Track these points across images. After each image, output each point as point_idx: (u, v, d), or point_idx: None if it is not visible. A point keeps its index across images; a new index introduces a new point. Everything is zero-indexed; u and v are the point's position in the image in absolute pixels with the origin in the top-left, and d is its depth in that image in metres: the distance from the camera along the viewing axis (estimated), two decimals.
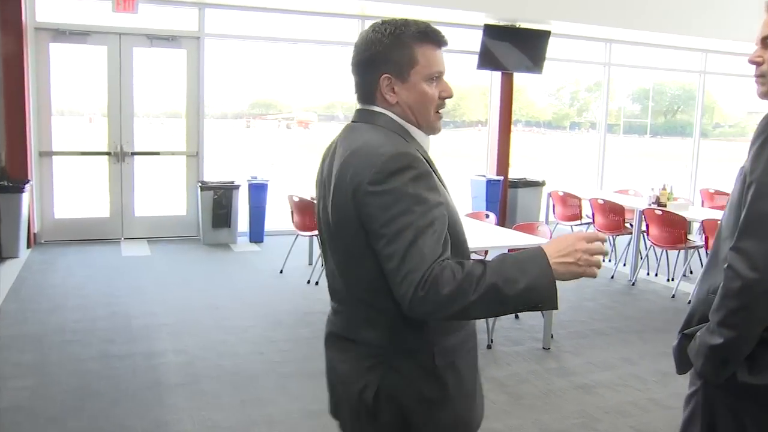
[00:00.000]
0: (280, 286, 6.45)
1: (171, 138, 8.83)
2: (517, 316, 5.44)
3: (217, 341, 4.80)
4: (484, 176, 9.54)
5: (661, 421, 3.78)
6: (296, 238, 6.92)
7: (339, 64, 9.36)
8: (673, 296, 6.33)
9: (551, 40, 9.16)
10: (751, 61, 1.75)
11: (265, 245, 8.16)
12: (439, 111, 1.69)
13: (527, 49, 9.14)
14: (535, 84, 15.25)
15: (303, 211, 6.57)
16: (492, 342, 4.87)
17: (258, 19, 8.58)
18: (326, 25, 8.85)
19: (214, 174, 8.48)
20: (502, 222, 9.24)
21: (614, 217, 7.08)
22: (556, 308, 1.50)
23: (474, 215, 6.12)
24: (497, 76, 9.50)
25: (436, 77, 1.66)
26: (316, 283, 6.40)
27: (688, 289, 6.36)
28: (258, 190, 8.18)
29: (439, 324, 1.63)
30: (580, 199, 7.60)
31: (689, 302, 2.06)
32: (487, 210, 9.24)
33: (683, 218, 6.27)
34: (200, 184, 8.01)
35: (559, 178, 11.86)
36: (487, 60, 9.03)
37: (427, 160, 1.61)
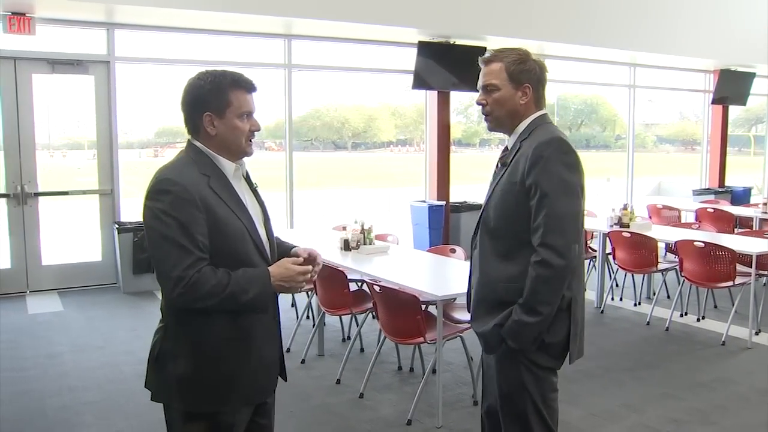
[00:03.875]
0: None
1: (81, 174, 7.87)
2: None
3: (157, 422, 3.98)
4: (425, 201, 9.03)
5: None
6: None
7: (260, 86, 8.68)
8: (648, 323, 5.95)
9: None
10: (478, 103, 2.51)
11: None
12: (251, 140, 2.18)
13: (463, 67, 8.69)
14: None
15: None
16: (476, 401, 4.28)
17: (172, 40, 7.78)
18: (250, 45, 8.15)
19: (130, 213, 7.58)
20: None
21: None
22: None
23: (437, 250, 5.53)
24: (433, 96, 9.03)
25: (246, 115, 2.15)
26: None
27: (662, 314, 6.00)
28: None
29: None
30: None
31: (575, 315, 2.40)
32: (430, 235, 8.76)
33: (654, 240, 5.91)
34: (117, 226, 7.10)
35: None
36: (422, 79, 8.54)
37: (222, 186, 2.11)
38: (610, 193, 19.14)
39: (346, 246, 5.21)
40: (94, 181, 7.42)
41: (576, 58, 10.33)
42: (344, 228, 5.77)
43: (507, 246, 2.39)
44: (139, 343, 5.37)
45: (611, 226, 6.52)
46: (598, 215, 7.39)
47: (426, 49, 8.41)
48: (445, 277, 4.65)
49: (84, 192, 7.46)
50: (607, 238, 6.33)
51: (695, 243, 5.54)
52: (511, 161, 2.41)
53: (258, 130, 2.18)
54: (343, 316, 5.33)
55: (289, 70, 8.12)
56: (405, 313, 4.00)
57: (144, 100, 11.75)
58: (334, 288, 4.71)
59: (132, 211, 7.51)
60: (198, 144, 2.14)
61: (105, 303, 6.77)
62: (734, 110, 12.97)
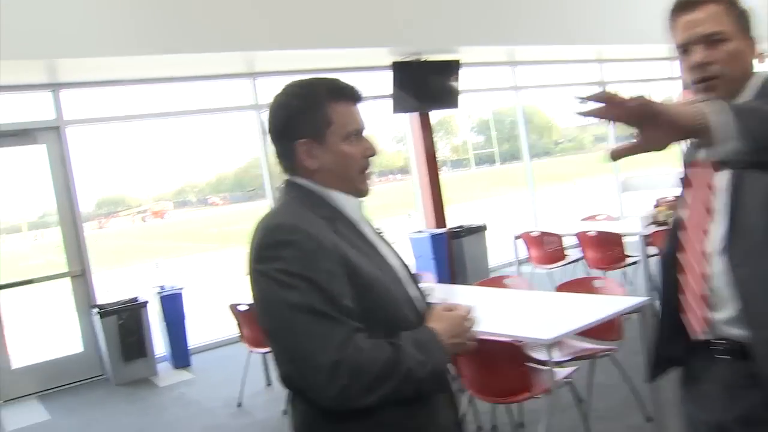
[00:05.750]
0: (249, 427, 4.85)
1: (43, 255, 6.95)
2: None
3: None
4: (422, 231, 8.38)
5: None
6: (249, 355, 5.31)
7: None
8: None
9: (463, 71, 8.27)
10: (699, 64, 1.63)
11: (196, 369, 6.44)
12: (365, 171, 1.62)
13: (440, 84, 8.17)
14: (382, 133, 15.67)
15: (253, 321, 5.03)
16: None
17: (124, 95, 6.99)
18: (214, 89, 7.42)
19: (102, 294, 6.68)
20: (452, 279, 8.12)
21: (610, 249, 6.12)
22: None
23: (487, 282, 4.81)
24: (414, 118, 8.44)
25: (355, 135, 1.60)
26: None
27: None
28: (172, 303, 6.47)
29: None
30: (559, 237, 6.59)
31: None
32: (436, 267, 8.09)
33: None
34: (98, 310, 6.20)
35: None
36: (401, 102, 7.95)
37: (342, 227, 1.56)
38: (579, 197, 18.97)
39: None
40: (60, 262, 6.51)
41: (546, 61, 9.95)
42: None
43: None
44: None
45: (646, 226, 6.03)
46: (617, 218, 6.92)
47: (401, 70, 7.83)
48: (533, 314, 3.90)
49: (51, 277, 6.51)
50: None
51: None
52: None
53: (374, 154, 1.63)
54: None
55: (258, 111, 7.41)
56: (506, 366, 3.30)
57: (84, 168, 10.85)
58: None
59: (102, 290, 6.62)
60: (302, 181, 1.61)
61: (97, 401, 5.84)
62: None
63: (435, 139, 8.74)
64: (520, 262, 7.17)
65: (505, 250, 8.81)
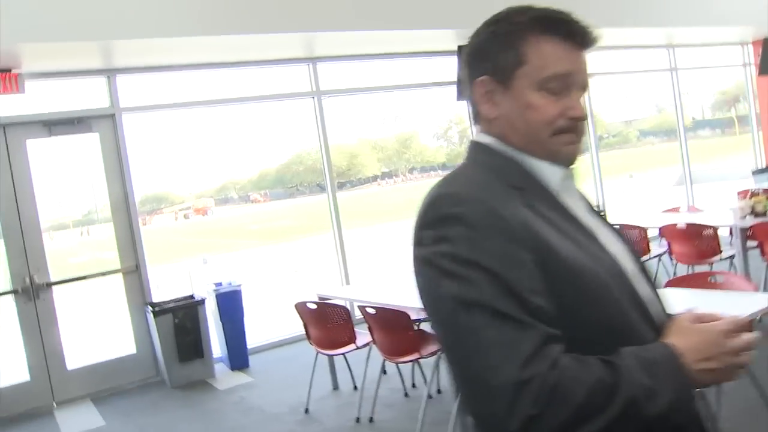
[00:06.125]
0: None
1: (95, 252, 6.66)
2: None
3: None
4: None
5: None
6: (316, 357, 4.89)
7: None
8: None
9: None
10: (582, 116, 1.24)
11: (254, 371, 6.07)
12: (564, 133, 1.17)
13: None
14: (424, 129, 15.71)
15: (322, 320, 4.63)
16: None
17: (181, 81, 6.66)
18: (271, 76, 7.04)
19: (159, 293, 6.35)
20: None
21: (701, 243, 5.59)
22: None
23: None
24: None
25: (556, 85, 1.16)
26: (370, 420, 4.46)
27: None
28: (230, 301, 6.11)
29: None
30: (644, 230, 6.05)
31: None
32: None
33: None
34: (151, 308, 5.86)
35: None
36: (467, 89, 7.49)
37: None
38: (638, 190, 18.31)
39: None
40: (110, 259, 6.20)
41: (615, 46, 9.37)
42: None
43: None
44: None
45: (744, 217, 5.49)
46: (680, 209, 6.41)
47: None
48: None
49: (104, 273, 6.19)
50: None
51: None
52: None
53: (579, 117, 1.19)
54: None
55: (318, 97, 7.00)
56: None
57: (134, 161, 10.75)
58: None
59: (153, 288, 6.29)
60: (487, 140, 1.23)
61: (154, 406, 5.50)
62: (710, 94, 12.13)
63: None
64: None
65: None
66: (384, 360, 4.42)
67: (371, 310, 4.05)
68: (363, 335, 4.49)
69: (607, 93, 10.17)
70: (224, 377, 5.97)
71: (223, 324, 6.11)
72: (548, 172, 1.21)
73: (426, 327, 4.43)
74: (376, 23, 6.37)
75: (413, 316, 4.07)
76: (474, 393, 1.03)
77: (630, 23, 8.23)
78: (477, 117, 1.26)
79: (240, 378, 5.91)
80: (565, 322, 1.05)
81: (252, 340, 6.40)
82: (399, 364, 4.80)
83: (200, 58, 6.37)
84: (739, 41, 11.01)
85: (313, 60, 6.96)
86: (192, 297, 6.05)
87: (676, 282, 3.88)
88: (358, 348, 4.49)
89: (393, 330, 4.01)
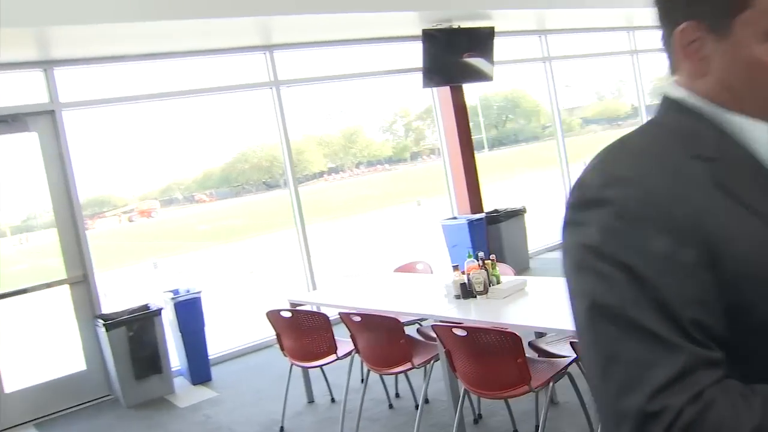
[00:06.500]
0: None
1: (37, 260, 6.08)
2: None
3: None
4: (457, 218, 7.59)
5: None
6: (291, 368, 4.46)
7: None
8: None
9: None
10: None
11: (218, 384, 5.60)
12: None
13: (474, 54, 7.39)
14: (369, 123, 15.61)
15: (297, 330, 4.20)
16: None
17: (119, 74, 6.11)
18: (224, 66, 6.54)
19: (108, 303, 5.82)
20: None
21: None
22: None
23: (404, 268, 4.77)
24: (444, 93, 7.62)
25: None
26: None
27: None
28: (189, 309, 5.62)
29: None
30: None
31: None
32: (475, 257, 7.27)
33: None
34: (102, 321, 5.33)
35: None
36: (434, 75, 7.14)
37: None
38: None
39: (466, 292, 3.71)
40: (53, 267, 5.63)
41: (576, 29, 9.17)
42: (425, 267, 4.31)
43: None
44: None
45: None
46: None
47: (431, 40, 7.01)
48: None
49: (49, 285, 5.61)
50: None
51: None
52: None
53: None
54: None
55: (276, 87, 6.55)
56: None
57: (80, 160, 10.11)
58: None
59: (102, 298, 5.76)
60: (680, 93, 0.96)
61: (108, 428, 4.98)
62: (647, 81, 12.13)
63: (421, 127, 8.01)
64: None
65: (537, 234, 8.27)
66: (368, 370, 4.03)
67: (356, 317, 3.64)
68: (344, 343, 4.09)
69: (567, 77, 9.96)
70: (185, 393, 5.49)
71: (182, 335, 5.61)
72: (762, 136, 0.91)
73: (413, 332, 4.07)
74: (336, 5, 5.95)
75: (401, 320, 3.70)
76: (600, 408, 0.86)
77: (590, 3, 8.01)
78: (673, 69, 0.98)
79: (203, 393, 5.43)
80: (737, 342, 0.83)
81: (213, 350, 5.93)
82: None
83: (146, 47, 5.83)
84: None
85: (270, 48, 6.50)
86: (147, 307, 5.53)
87: None
88: (339, 359, 4.08)
89: (381, 338, 3.62)
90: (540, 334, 3.65)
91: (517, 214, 7.73)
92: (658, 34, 1.00)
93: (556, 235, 7.00)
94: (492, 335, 2.88)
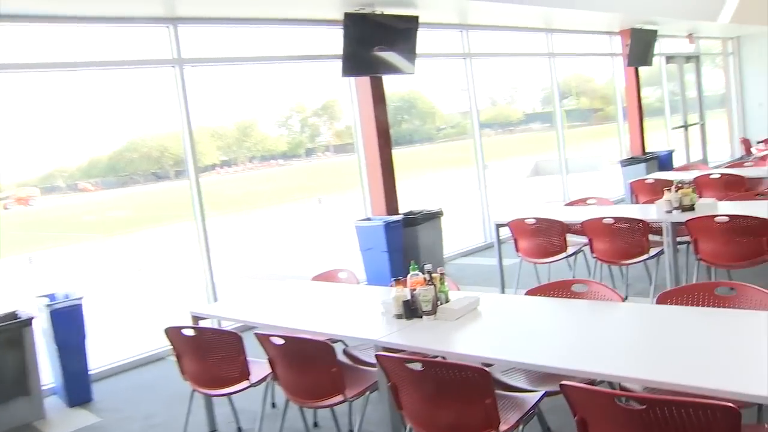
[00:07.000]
0: None
1: None
2: None
3: None
4: (371, 219, 7.05)
5: None
6: (192, 393, 3.77)
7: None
8: None
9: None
10: None
11: (100, 406, 4.78)
12: None
13: (396, 44, 6.87)
14: (264, 117, 15.23)
15: (202, 351, 3.51)
16: None
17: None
18: (122, 38, 5.70)
19: None
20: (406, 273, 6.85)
21: (629, 239, 5.08)
22: None
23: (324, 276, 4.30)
24: (363, 83, 7.06)
25: None
26: None
27: None
28: (68, 319, 4.77)
29: None
30: (565, 225, 5.43)
31: None
32: (390, 263, 6.77)
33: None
34: None
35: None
36: (354, 63, 6.56)
37: None
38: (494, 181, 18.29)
39: (410, 312, 3.16)
40: None
41: (496, 26, 8.86)
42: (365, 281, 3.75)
43: None
44: None
45: (670, 210, 5.06)
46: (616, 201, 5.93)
47: (353, 24, 6.43)
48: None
49: None
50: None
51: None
52: None
53: None
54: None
55: (180, 66, 5.77)
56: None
57: None
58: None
59: None
60: None
61: None
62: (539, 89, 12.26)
63: (316, 124, 7.53)
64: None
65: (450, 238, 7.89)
66: (287, 399, 3.41)
67: (278, 340, 3.02)
68: (257, 365, 3.46)
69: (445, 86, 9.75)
70: (59, 418, 4.64)
71: (58, 348, 4.77)
72: None
73: (345, 359, 3.48)
74: None
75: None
76: None
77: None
78: None
79: (81, 418, 4.61)
80: None
81: (93, 363, 5.11)
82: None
83: (32, 7, 4.93)
84: (607, 30, 10.94)
85: (174, 21, 5.71)
86: (15, 315, 4.66)
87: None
88: (252, 385, 3.43)
89: (308, 365, 3.01)
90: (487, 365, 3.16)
91: (435, 216, 7.28)
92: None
93: (468, 239, 6.66)
94: (456, 371, 2.35)
